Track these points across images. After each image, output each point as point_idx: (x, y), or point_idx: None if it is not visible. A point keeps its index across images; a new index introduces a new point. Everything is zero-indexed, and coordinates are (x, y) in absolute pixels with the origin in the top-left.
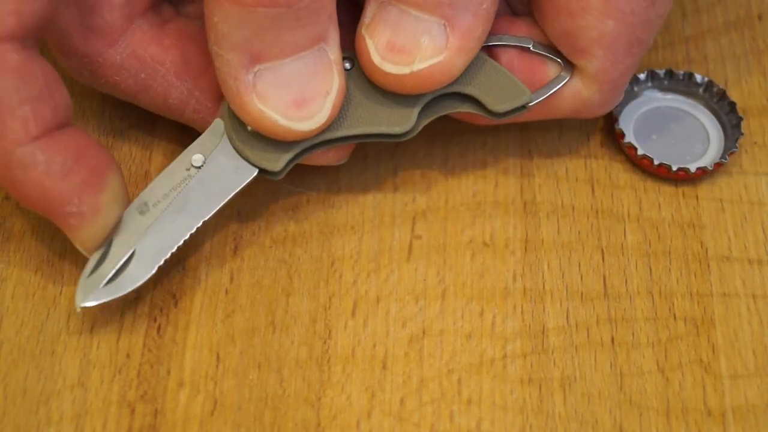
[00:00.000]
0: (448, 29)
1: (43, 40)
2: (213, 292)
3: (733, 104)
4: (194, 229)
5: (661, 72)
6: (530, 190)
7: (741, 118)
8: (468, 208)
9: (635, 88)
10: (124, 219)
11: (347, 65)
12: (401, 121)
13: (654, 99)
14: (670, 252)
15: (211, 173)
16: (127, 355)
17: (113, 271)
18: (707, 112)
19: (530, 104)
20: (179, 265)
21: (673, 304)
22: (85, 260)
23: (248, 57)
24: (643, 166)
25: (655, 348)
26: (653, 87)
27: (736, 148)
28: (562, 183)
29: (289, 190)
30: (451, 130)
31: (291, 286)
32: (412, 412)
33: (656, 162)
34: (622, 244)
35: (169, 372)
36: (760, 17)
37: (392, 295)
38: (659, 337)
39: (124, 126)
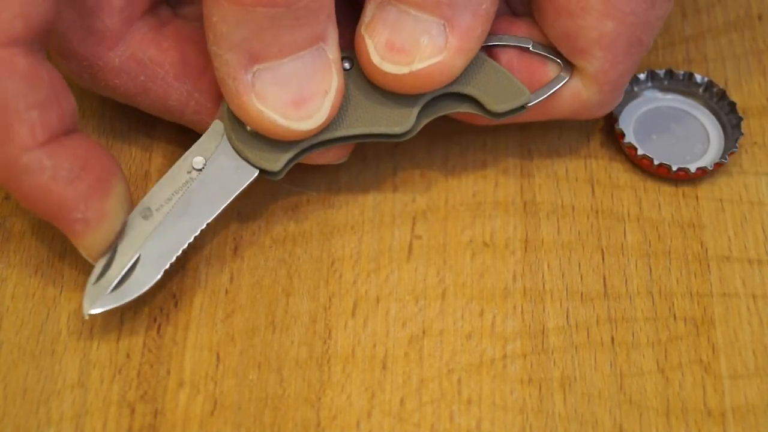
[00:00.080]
0: (447, 29)
1: None
2: (213, 292)
3: (733, 104)
4: (198, 232)
5: (661, 72)
6: (530, 190)
7: (741, 118)
8: (468, 208)
9: (635, 88)
10: (128, 225)
11: (347, 65)
12: (400, 121)
13: (654, 99)
14: (670, 252)
15: (213, 175)
16: (127, 355)
17: (119, 278)
18: (707, 112)
19: (529, 104)
20: (179, 265)
21: (673, 304)
22: (86, 262)
23: (247, 57)
24: (643, 166)
25: (655, 348)
26: (653, 87)
27: (736, 148)
28: (562, 183)
29: (289, 190)
30: (451, 130)
31: (291, 286)
32: (412, 412)
33: (656, 162)
34: (622, 244)
35: (169, 372)
36: (760, 17)
37: (392, 295)
38: (659, 337)
39: (124, 127)
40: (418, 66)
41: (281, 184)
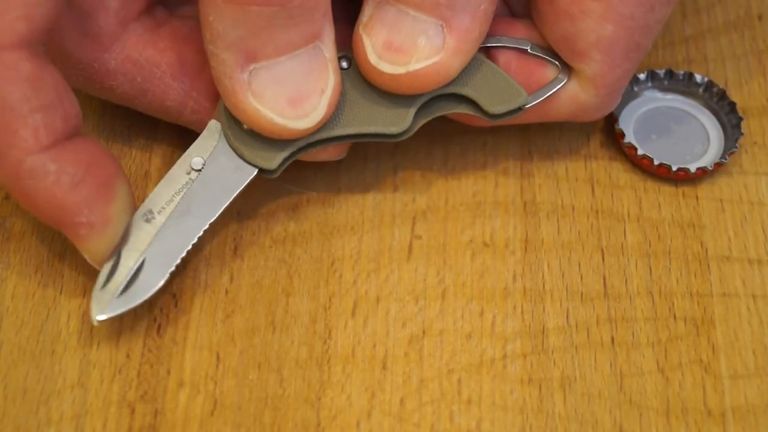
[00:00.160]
0: (445, 30)
1: None
2: (213, 292)
3: (733, 104)
4: (201, 232)
5: (661, 72)
6: (530, 190)
7: (741, 118)
8: (468, 208)
9: (635, 88)
10: (130, 228)
11: (344, 64)
12: (397, 121)
13: (654, 99)
14: (670, 252)
15: (212, 175)
16: (127, 355)
17: (125, 282)
18: (707, 112)
19: (526, 106)
20: (180, 265)
21: (673, 304)
22: (86, 262)
23: (243, 56)
24: (643, 166)
25: (655, 348)
26: (653, 87)
27: (736, 148)
28: (562, 183)
29: (289, 190)
30: (451, 130)
31: (291, 286)
32: (412, 412)
33: (656, 162)
34: (622, 244)
35: (169, 372)
36: (760, 17)
37: (392, 295)
38: (659, 337)
39: (124, 126)
40: (415, 66)
41: (281, 184)
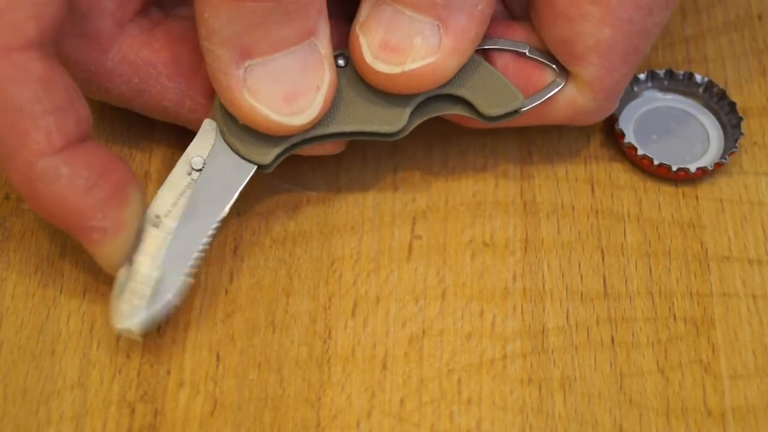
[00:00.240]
0: (441, 30)
1: None
2: (213, 292)
3: (733, 104)
4: (213, 230)
5: (661, 72)
6: (530, 191)
7: (741, 118)
8: (468, 208)
9: (635, 88)
10: (142, 236)
11: (341, 62)
12: (392, 121)
13: (654, 99)
14: (670, 252)
15: (214, 173)
16: (127, 355)
17: (149, 291)
18: (707, 112)
19: (522, 110)
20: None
21: (673, 304)
22: (86, 262)
23: (238, 52)
24: (643, 166)
25: (655, 348)
26: (653, 87)
27: (736, 148)
28: (562, 183)
29: (289, 190)
30: (451, 130)
31: (291, 286)
32: (412, 412)
33: (656, 162)
34: (622, 244)
35: (169, 372)
36: (760, 17)
37: (392, 295)
38: (659, 337)
39: (123, 128)
40: (410, 66)
41: (281, 184)
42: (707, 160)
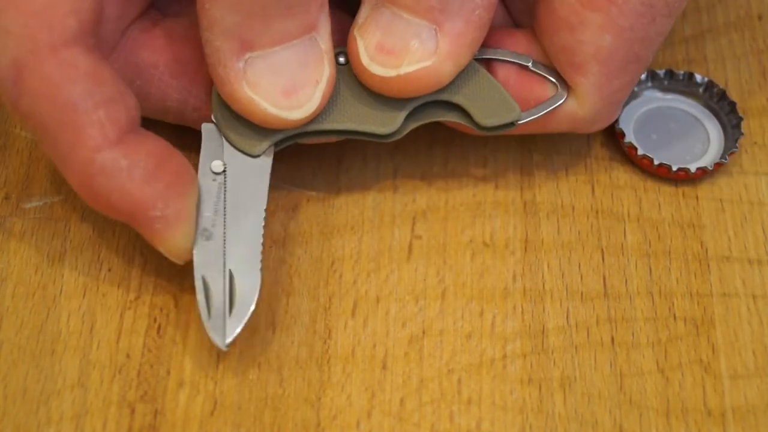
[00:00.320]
0: (438, 34)
1: None
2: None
3: (733, 104)
4: (264, 221)
5: (661, 72)
6: (530, 190)
7: (741, 118)
8: (468, 208)
9: (635, 88)
10: (197, 251)
11: (342, 59)
12: (387, 123)
13: (654, 99)
14: (670, 252)
15: (238, 171)
16: (127, 355)
17: (227, 301)
18: (707, 112)
19: (519, 122)
20: (179, 264)
21: (673, 304)
22: (86, 262)
23: (239, 44)
24: (643, 166)
25: (655, 348)
26: (653, 87)
27: (736, 148)
28: (562, 183)
29: (289, 190)
30: (451, 131)
31: (291, 286)
32: (412, 412)
33: (656, 162)
34: (622, 244)
35: (169, 372)
36: (760, 17)
37: (392, 295)
38: (659, 337)
39: None
40: (406, 69)
41: (281, 184)
42: (707, 160)
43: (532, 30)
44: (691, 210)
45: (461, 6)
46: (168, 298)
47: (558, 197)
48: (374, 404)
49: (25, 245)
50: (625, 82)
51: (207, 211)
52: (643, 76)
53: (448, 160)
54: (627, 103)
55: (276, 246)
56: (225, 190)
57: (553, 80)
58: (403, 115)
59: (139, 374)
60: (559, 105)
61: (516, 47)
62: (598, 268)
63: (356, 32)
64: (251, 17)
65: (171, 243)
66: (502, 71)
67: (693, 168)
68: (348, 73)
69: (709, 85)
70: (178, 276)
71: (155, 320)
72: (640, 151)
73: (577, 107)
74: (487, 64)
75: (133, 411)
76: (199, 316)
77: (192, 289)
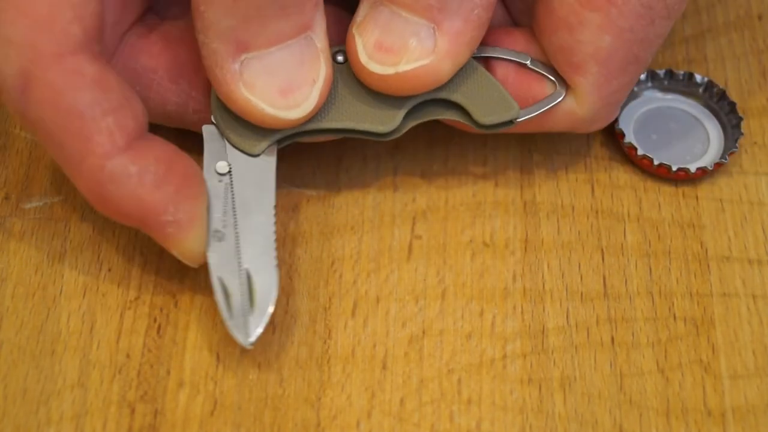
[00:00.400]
0: (436, 33)
1: None
2: (213, 292)
3: (733, 104)
4: (275, 218)
5: (661, 72)
6: (530, 190)
7: (741, 118)
8: (468, 208)
9: (635, 88)
10: (213, 255)
11: (341, 58)
12: (386, 121)
13: (654, 99)
14: (670, 252)
15: (243, 170)
16: (127, 355)
17: (247, 300)
18: (707, 112)
19: (518, 120)
20: (180, 266)
21: (673, 304)
22: (86, 262)
23: (234, 46)
24: (643, 166)
25: (655, 348)
26: (653, 87)
27: (736, 148)
28: (562, 183)
29: (289, 190)
30: (452, 130)
31: (291, 286)
32: (412, 412)
33: (656, 162)
34: (622, 244)
35: (169, 372)
36: (760, 17)
37: (392, 295)
38: (659, 337)
39: None
40: (404, 67)
41: (281, 184)
42: (707, 160)
43: (531, 29)
44: (691, 210)
45: (460, 5)
46: (168, 298)
47: (558, 197)
48: (374, 404)
49: (25, 245)
50: (624, 82)
51: (216, 213)
52: (643, 76)
53: (448, 158)
54: (627, 103)
55: (276, 246)
56: (232, 190)
57: (552, 78)
58: (402, 113)
59: (139, 374)
60: (557, 103)
61: (514, 46)
62: (598, 268)
63: (355, 30)
64: (246, 19)
65: (184, 246)
66: (501, 69)
67: (693, 168)
68: (347, 71)
69: (709, 85)
70: (178, 276)
71: (155, 320)
72: (640, 151)
73: (575, 107)
74: (486, 62)
75: (133, 411)
76: (218, 316)
77: (192, 289)
